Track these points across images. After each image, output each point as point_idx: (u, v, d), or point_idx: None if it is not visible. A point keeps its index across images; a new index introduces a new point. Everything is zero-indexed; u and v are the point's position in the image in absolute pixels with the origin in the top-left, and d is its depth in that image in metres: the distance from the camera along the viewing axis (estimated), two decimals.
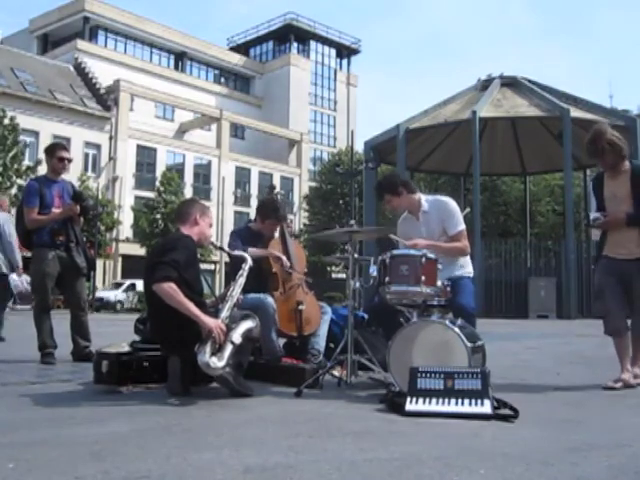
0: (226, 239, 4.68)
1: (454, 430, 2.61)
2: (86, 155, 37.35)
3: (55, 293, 5.46)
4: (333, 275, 42.54)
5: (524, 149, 23.48)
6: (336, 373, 3.94)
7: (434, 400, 2.94)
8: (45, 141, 28.67)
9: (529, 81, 22.26)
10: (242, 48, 56.74)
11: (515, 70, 73.96)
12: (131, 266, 33.67)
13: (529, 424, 2.73)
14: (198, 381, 3.44)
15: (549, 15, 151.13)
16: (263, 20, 78.21)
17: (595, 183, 4.11)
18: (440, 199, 4.13)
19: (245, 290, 3.82)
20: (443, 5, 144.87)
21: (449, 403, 2.91)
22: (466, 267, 4.00)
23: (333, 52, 57.39)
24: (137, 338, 4.06)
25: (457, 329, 3.28)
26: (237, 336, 3.30)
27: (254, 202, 40.29)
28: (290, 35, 55.05)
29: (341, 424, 2.71)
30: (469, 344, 3.23)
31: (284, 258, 4.44)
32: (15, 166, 26.57)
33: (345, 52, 58.30)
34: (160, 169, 39.27)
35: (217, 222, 37.48)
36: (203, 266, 33.51)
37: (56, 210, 5.13)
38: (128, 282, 31.16)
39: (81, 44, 43.47)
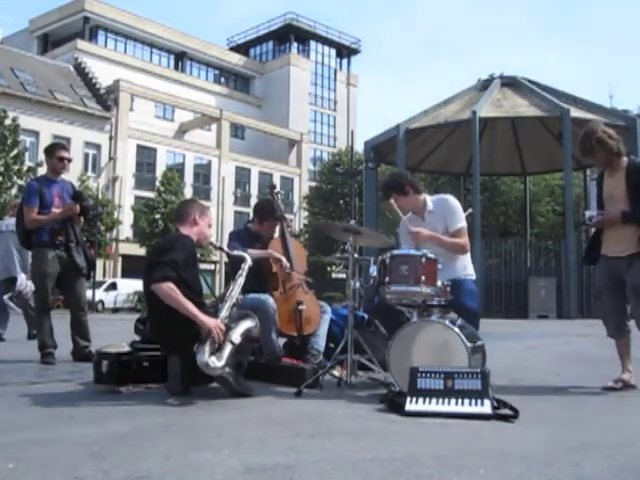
0: (226, 239, 4.68)
1: (454, 430, 2.61)
2: (86, 155, 37.34)
3: (55, 293, 5.46)
4: (333, 275, 42.55)
5: (524, 149, 23.46)
6: (336, 373, 3.94)
7: (434, 400, 2.94)
8: (45, 141, 28.67)
9: (529, 81, 22.24)
10: (242, 48, 56.74)
11: (515, 70, 74.00)
12: (131, 266, 33.66)
13: (529, 424, 2.73)
14: (198, 381, 3.44)
15: (549, 15, 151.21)
16: (263, 20, 78.26)
17: (597, 181, 4.09)
18: (443, 197, 4.14)
19: (245, 290, 3.82)
20: (443, 5, 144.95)
21: (449, 403, 2.91)
22: (468, 269, 4.00)
23: (333, 52, 57.40)
24: (137, 338, 4.07)
25: (457, 329, 3.28)
26: (236, 336, 3.30)
27: (254, 202, 40.17)
28: (290, 35, 55.05)
29: (341, 424, 2.71)
30: (469, 344, 3.24)
31: (284, 259, 4.43)
32: (16, 167, 26.56)
33: (345, 52, 58.30)
34: (160, 169, 39.27)
35: (217, 222, 37.51)
36: (203, 266, 33.56)
37: (56, 210, 5.13)
38: (109, 281, 31.07)
39: (81, 44, 43.47)
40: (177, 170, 39.29)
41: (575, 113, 19.35)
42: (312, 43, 56.04)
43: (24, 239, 5.24)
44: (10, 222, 7.03)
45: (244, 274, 3.71)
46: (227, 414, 2.99)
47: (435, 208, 4.04)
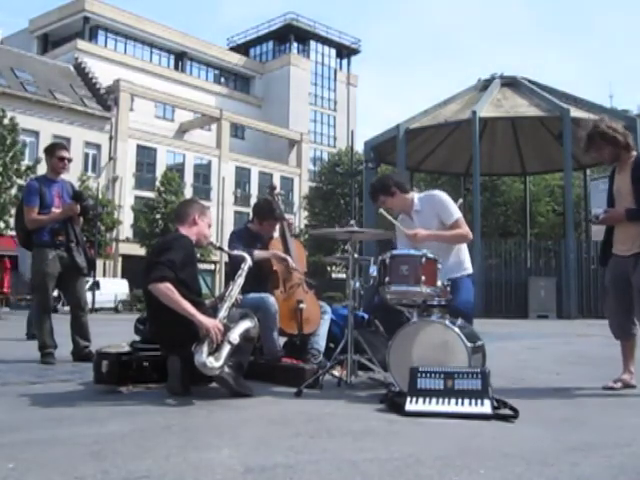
0: (226, 239, 4.68)
1: (454, 430, 2.61)
2: (86, 155, 37.33)
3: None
4: (333, 275, 42.55)
5: (524, 149, 23.46)
6: (336, 373, 3.94)
7: (434, 400, 2.94)
8: (45, 141, 28.66)
9: (529, 81, 22.24)
10: (242, 48, 56.74)
11: (515, 70, 74.03)
12: (131, 266, 33.67)
13: (529, 424, 2.73)
14: (198, 381, 3.44)
15: (549, 15, 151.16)
16: (263, 20, 78.31)
17: (609, 177, 3.97)
18: (430, 193, 4.12)
19: (245, 290, 3.82)
20: (443, 5, 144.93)
21: (449, 403, 2.92)
22: (465, 264, 3.98)
23: (333, 52, 57.39)
24: (137, 338, 4.07)
25: (457, 329, 3.28)
26: (235, 336, 3.29)
27: (254, 202, 40.29)
28: (290, 35, 55.04)
29: (341, 424, 2.71)
30: (469, 344, 3.24)
31: (289, 259, 4.45)
32: (15, 166, 26.55)
33: (345, 52, 58.29)
34: (160, 169, 39.26)
35: (217, 222, 37.51)
36: (203, 266, 33.61)
37: (56, 210, 5.13)
38: (91, 280, 30.95)
39: (81, 44, 43.46)
40: (177, 170, 39.28)
41: (575, 113, 19.34)
42: (312, 43, 56.03)
43: (24, 239, 5.23)
44: None
45: (244, 274, 3.71)
46: (227, 414, 2.99)
47: (422, 207, 4.01)
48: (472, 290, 3.89)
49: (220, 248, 4.04)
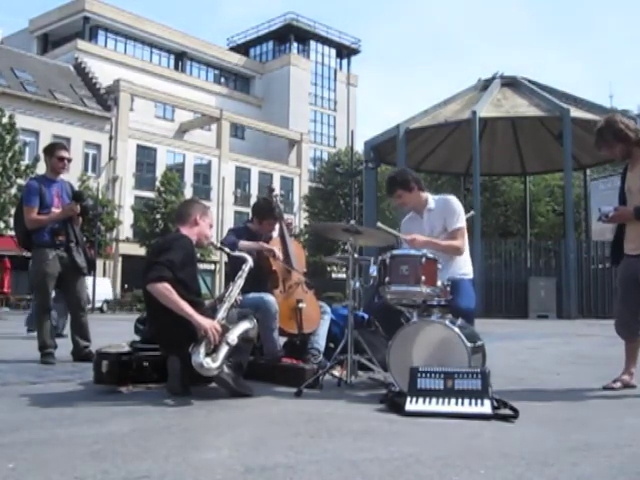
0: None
1: (454, 430, 2.61)
2: (86, 155, 37.34)
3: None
4: (333, 275, 42.57)
5: (524, 149, 23.47)
6: (336, 373, 3.94)
7: (434, 400, 2.94)
8: (45, 141, 28.65)
9: (529, 81, 22.24)
10: (242, 48, 56.75)
11: (515, 70, 73.95)
12: (131, 266, 33.68)
13: (529, 424, 2.73)
14: (198, 381, 3.44)
15: (549, 15, 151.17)
16: (263, 20, 78.40)
17: (622, 174, 3.89)
18: (445, 197, 4.12)
19: (245, 290, 3.82)
20: (443, 5, 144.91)
21: (449, 403, 2.91)
22: (464, 268, 3.97)
23: (333, 52, 57.40)
24: (137, 338, 4.07)
25: (457, 329, 3.28)
26: (233, 337, 3.29)
27: (253, 202, 40.25)
28: (290, 35, 55.05)
29: (341, 424, 2.71)
30: (469, 344, 3.23)
31: (276, 249, 4.43)
32: (15, 166, 26.54)
33: (345, 52, 58.31)
34: (160, 169, 39.26)
35: (217, 222, 37.47)
36: (203, 266, 33.61)
37: (55, 210, 5.13)
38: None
39: (81, 44, 43.46)
40: (177, 170, 39.30)
41: (575, 113, 19.35)
42: (312, 43, 56.04)
43: (24, 239, 5.22)
44: None
45: (244, 275, 3.71)
46: (227, 414, 2.99)
47: (436, 207, 4.02)
48: (473, 291, 3.88)
49: (221, 248, 4.04)
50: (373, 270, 3.68)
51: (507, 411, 2.88)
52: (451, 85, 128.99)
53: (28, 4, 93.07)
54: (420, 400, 2.95)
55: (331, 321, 4.59)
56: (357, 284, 3.89)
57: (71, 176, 22.95)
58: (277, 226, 4.77)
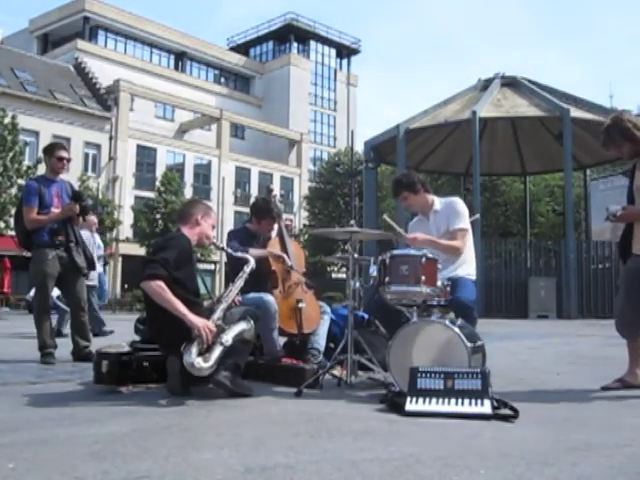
0: (225, 239, 4.69)
1: (454, 430, 2.61)
2: (86, 155, 37.33)
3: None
4: (333, 275, 42.55)
5: (524, 149, 23.45)
6: (336, 373, 3.94)
7: (434, 400, 2.94)
8: (45, 141, 28.64)
9: (529, 81, 22.22)
10: (242, 48, 56.74)
11: (515, 70, 73.94)
12: (131, 266, 33.63)
13: (529, 424, 2.73)
14: (198, 381, 3.44)
15: (550, 15, 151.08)
16: (263, 20, 78.42)
17: (630, 175, 3.85)
18: (452, 199, 4.15)
19: (244, 290, 3.82)
20: (443, 5, 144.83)
21: (449, 403, 2.91)
22: (468, 268, 3.97)
23: (333, 52, 57.38)
24: (137, 338, 4.07)
25: (457, 329, 3.28)
26: (227, 338, 3.28)
27: (252, 201, 40.22)
28: (290, 35, 55.04)
29: (341, 424, 2.71)
30: (469, 344, 3.23)
31: (285, 256, 4.45)
32: (15, 166, 26.54)
33: (345, 52, 58.29)
34: (160, 169, 39.26)
35: (217, 222, 37.19)
36: (203, 266, 33.62)
37: (55, 210, 5.13)
38: None
39: (81, 44, 43.46)
40: (177, 170, 39.28)
41: (575, 113, 19.33)
42: (312, 43, 56.03)
43: (24, 239, 5.22)
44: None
45: (244, 277, 3.70)
46: (227, 414, 2.99)
47: (442, 209, 4.06)
48: (474, 288, 3.87)
49: (223, 249, 4.04)
50: (373, 270, 3.68)
51: (507, 411, 2.88)
52: (451, 85, 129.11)
53: (28, 4, 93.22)
54: (420, 400, 2.95)
55: (331, 321, 4.59)
56: (357, 284, 3.89)
57: (71, 176, 22.95)
58: (276, 226, 4.78)
